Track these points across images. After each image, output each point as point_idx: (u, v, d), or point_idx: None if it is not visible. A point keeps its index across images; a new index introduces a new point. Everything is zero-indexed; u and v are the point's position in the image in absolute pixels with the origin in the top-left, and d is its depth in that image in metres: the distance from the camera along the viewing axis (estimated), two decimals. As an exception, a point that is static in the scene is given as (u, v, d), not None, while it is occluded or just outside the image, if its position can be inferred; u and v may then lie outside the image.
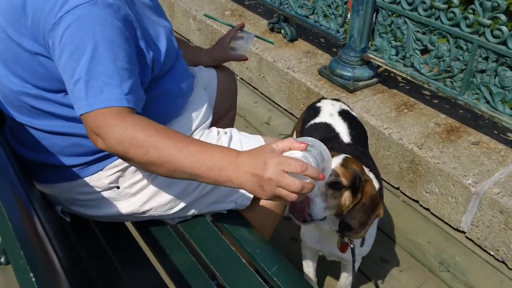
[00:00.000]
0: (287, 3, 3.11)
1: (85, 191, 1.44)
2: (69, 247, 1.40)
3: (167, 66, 1.47)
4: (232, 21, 3.54)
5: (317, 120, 1.92)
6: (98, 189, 1.44)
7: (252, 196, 1.56)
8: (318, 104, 2.01)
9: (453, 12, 2.17)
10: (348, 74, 2.77)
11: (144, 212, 1.48)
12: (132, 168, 1.44)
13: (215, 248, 1.49)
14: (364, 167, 1.48)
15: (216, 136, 1.59)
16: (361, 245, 1.43)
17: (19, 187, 1.04)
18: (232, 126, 2.18)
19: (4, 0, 1.27)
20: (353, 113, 2.01)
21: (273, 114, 3.12)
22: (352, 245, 1.41)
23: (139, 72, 1.31)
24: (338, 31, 2.82)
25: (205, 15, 2.29)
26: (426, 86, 2.45)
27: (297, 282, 1.37)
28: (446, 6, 2.19)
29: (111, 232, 1.56)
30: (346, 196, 1.33)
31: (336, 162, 1.36)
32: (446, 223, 2.34)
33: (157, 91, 1.44)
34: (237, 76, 3.46)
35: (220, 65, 2.02)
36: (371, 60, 2.70)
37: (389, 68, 2.62)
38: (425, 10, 2.31)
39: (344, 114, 1.94)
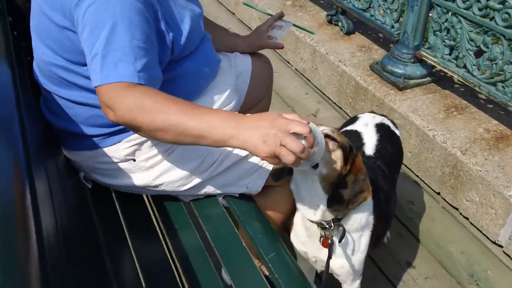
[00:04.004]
0: (346, -4, 3.06)
1: (104, 161, 1.52)
2: (82, 212, 1.48)
3: (190, 48, 1.51)
4: (292, 11, 3.54)
5: (350, 127, 1.86)
6: (115, 160, 1.51)
7: (263, 182, 1.58)
8: (360, 115, 1.95)
9: (507, 13, 2.04)
10: (399, 71, 2.69)
11: (156, 186, 1.54)
12: (149, 143, 1.50)
13: (221, 229, 1.52)
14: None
15: None
16: (339, 241, 1.40)
17: (22, 157, 1.08)
18: (266, 114, 2.19)
19: None
20: (396, 131, 1.91)
21: (322, 106, 3.09)
22: (330, 240, 1.39)
23: (159, 52, 1.36)
24: (392, 27, 2.74)
25: (244, 3, 2.29)
26: (477, 89, 2.32)
27: (291, 271, 1.38)
28: (501, 6, 2.06)
29: (128, 202, 1.63)
30: (338, 156, 1.30)
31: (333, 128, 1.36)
32: (484, 234, 2.22)
33: (177, 71, 1.49)
34: (292, 66, 3.46)
35: (257, 52, 2.03)
36: (423, 58, 2.60)
37: (441, 68, 2.51)
38: (480, 9, 2.19)
39: (382, 128, 1.85)
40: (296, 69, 3.43)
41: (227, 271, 1.38)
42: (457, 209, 2.35)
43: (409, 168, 2.57)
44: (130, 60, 1.23)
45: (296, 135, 1.11)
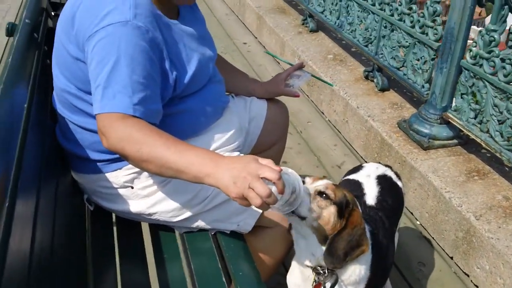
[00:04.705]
0: (382, 54, 3.12)
1: (104, 185, 1.62)
2: (76, 233, 1.57)
3: (194, 88, 1.61)
4: (332, 64, 3.62)
5: (352, 176, 1.89)
6: (115, 186, 1.61)
7: (254, 222, 1.62)
8: (365, 164, 1.97)
9: (529, 81, 2.02)
10: (425, 130, 2.68)
11: (150, 214, 1.62)
12: (147, 173, 1.59)
13: (205, 264, 1.56)
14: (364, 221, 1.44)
15: None
16: None
17: (10, 171, 1.15)
18: (279, 160, 2.24)
19: (65, 13, 1.52)
20: (399, 183, 1.91)
21: (348, 159, 3.11)
22: (322, 287, 1.40)
23: (161, 88, 1.47)
24: (423, 86, 2.76)
25: (266, 51, 2.38)
26: (498, 155, 2.28)
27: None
28: (523, 73, 2.05)
29: (126, 228, 1.71)
30: (331, 212, 1.33)
31: (330, 182, 1.39)
32: (492, 306, 2.13)
33: (179, 107, 1.59)
34: (326, 117, 3.51)
35: (275, 98, 2.10)
36: (450, 120, 2.59)
37: (465, 131, 2.49)
38: (505, 75, 2.18)
39: (384, 180, 1.85)
40: (329, 120, 3.48)
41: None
42: (468, 275, 2.27)
43: (425, 229, 2.52)
44: (128, 93, 1.35)
45: (268, 180, 1.17)
